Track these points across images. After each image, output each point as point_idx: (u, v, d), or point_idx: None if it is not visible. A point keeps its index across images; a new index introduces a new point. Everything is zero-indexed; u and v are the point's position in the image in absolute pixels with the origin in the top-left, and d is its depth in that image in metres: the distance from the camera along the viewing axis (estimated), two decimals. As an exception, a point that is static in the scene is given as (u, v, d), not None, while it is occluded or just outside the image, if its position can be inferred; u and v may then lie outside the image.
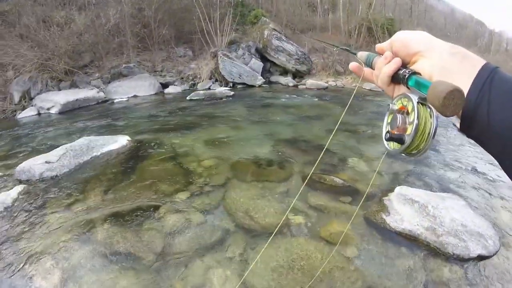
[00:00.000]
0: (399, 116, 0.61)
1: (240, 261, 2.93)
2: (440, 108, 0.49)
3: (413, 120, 0.57)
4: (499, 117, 0.49)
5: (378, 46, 0.74)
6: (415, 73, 0.61)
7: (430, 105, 0.57)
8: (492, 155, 0.53)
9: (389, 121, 0.67)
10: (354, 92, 0.96)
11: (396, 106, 0.64)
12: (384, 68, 0.67)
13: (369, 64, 0.76)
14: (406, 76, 0.61)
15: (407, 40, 0.66)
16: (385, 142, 0.66)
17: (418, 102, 0.58)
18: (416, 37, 0.65)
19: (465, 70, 0.55)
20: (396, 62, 0.65)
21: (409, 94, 0.60)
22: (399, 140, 0.59)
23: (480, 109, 0.50)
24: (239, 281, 2.69)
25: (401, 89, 0.67)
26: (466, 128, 0.54)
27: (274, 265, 2.84)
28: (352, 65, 0.81)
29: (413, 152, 0.60)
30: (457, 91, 0.47)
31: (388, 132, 0.63)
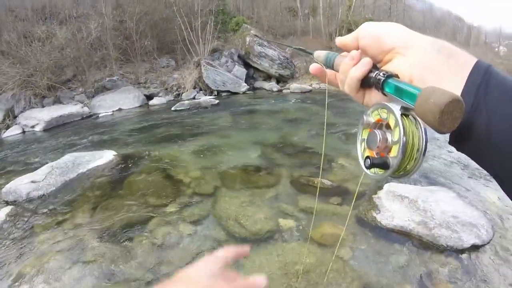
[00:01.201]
0: (378, 132, 0.51)
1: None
2: (435, 124, 0.39)
3: (399, 138, 0.46)
4: (502, 129, 0.40)
5: (340, 41, 0.62)
6: (391, 75, 0.51)
7: (414, 115, 0.48)
8: (490, 172, 0.45)
9: (364, 137, 0.56)
10: (326, 94, 0.90)
11: (372, 118, 0.54)
12: (352, 71, 0.55)
13: (330, 65, 0.64)
14: (382, 80, 0.51)
15: (378, 34, 0.54)
16: (364, 168, 0.53)
17: (402, 114, 0.48)
18: (389, 30, 0.54)
19: (453, 71, 0.46)
20: (366, 64, 0.54)
21: (388, 104, 0.50)
22: (383, 165, 0.49)
23: (477, 120, 0.41)
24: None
25: (373, 94, 0.57)
26: (458, 142, 0.45)
27: (267, 270, 2.84)
28: (313, 67, 0.67)
29: (400, 174, 0.50)
30: (456, 101, 0.38)
31: (368, 158, 0.51)
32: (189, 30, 13.76)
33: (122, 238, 3.41)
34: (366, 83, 0.55)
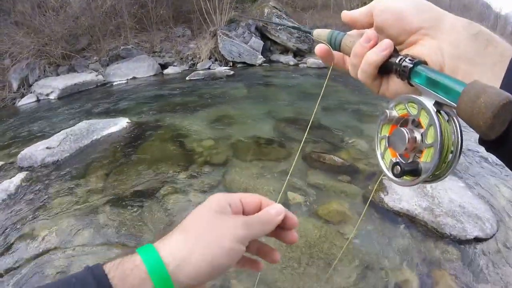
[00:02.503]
0: (405, 132, 0.43)
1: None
2: (483, 129, 0.33)
3: (434, 141, 0.40)
4: None
5: (348, 16, 0.54)
6: (420, 62, 0.43)
7: (448, 111, 0.41)
8: None
9: (384, 134, 0.49)
10: (327, 77, 0.68)
11: (396, 113, 0.46)
12: (368, 55, 0.47)
13: (336, 47, 0.55)
14: (409, 68, 0.43)
15: (400, 9, 0.46)
16: (388, 174, 0.47)
17: (438, 111, 0.40)
18: (415, 6, 0.45)
19: (491, 61, 0.40)
20: (386, 47, 0.45)
21: (419, 98, 0.42)
22: (414, 172, 0.42)
23: None
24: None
25: (392, 82, 0.49)
26: (493, 142, 0.38)
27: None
28: (319, 48, 0.57)
29: (427, 180, 0.43)
30: (510, 103, 0.32)
31: (398, 165, 0.43)
32: (206, -1, 13.51)
33: (133, 204, 3.48)
34: (385, 69, 0.47)
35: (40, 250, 2.89)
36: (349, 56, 0.53)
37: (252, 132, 5.36)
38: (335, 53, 0.57)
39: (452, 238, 3.00)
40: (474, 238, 3.00)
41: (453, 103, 0.38)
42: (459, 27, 0.42)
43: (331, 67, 0.59)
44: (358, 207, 3.44)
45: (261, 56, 13.12)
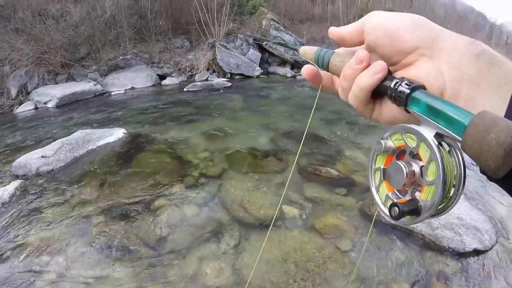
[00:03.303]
0: (402, 166, 0.39)
1: (234, 253, 2.94)
2: (492, 168, 0.30)
3: (436, 179, 0.36)
4: None
5: (336, 33, 0.49)
6: (418, 87, 0.39)
7: (450, 142, 0.37)
8: None
9: (378, 165, 0.45)
10: (316, 101, 0.60)
11: (392, 143, 0.42)
12: (361, 78, 0.43)
13: (324, 66, 0.51)
14: (406, 94, 0.39)
15: (395, 27, 0.41)
16: (385, 210, 0.43)
17: (439, 143, 0.36)
18: (410, 24, 0.41)
19: (495, 83, 0.37)
20: (380, 69, 0.41)
21: (419, 130, 0.38)
22: (413, 212, 0.38)
23: None
24: (232, 273, 2.71)
25: (385, 107, 0.45)
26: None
27: (268, 257, 2.85)
28: (306, 70, 0.53)
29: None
30: None
31: (395, 205, 0.38)
32: (205, 11, 13.61)
33: (127, 216, 3.44)
34: (378, 93, 0.43)
35: (32, 260, 2.85)
36: (339, 77, 0.49)
37: (248, 144, 5.35)
38: (323, 73, 0.53)
39: (451, 251, 2.99)
40: (473, 250, 2.98)
41: (457, 137, 0.34)
42: (460, 46, 0.39)
43: (319, 90, 0.55)
44: (354, 220, 3.42)
45: (259, 68, 13.19)
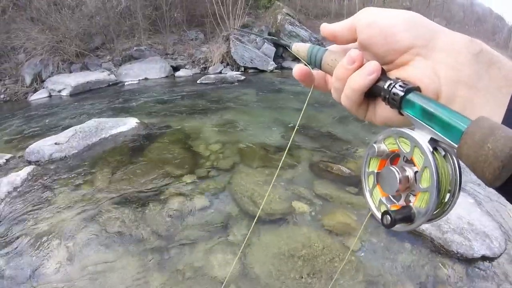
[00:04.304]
0: (395, 171, 0.38)
1: (241, 246, 2.94)
2: (488, 178, 0.29)
3: (430, 187, 0.34)
4: None
5: (327, 30, 0.46)
6: (413, 89, 0.37)
7: (446, 148, 0.35)
8: None
9: (372, 169, 0.43)
10: (306, 102, 0.61)
11: (386, 148, 0.40)
12: (353, 79, 0.41)
13: (317, 64, 0.49)
14: (400, 96, 0.37)
15: (388, 24, 0.39)
16: (378, 214, 0.42)
17: (433, 149, 0.35)
18: (404, 22, 0.39)
19: (494, 86, 0.35)
20: (373, 70, 0.39)
21: (412, 135, 0.36)
22: (406, 219, 0.37)
23: None
24: (239, 266, 2.70)
25: (379, 107, 0.43)
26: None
27: (275, 252, 2.84)
28: (297, 70, 0.51)
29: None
30: None
31: (388, 214, 0.36)
32: (220, 4, 13.56)
33: (137, 204, 3.47)
34: (371, 93, 0.41)
35: (41, 245, 2.89)
36: (332, 76, 0.47)
37: (260, 138, 5.34)
38: (316, 72, 0.51)
39: (459, 256, 2.93)
40: (481, 256, 2.92)
41: (453, 143, 0.32)
42: (458, 45, 0.36)
43: (311, 90, 0.53)
44: (364, 219, 3.39)
45: (273, 63, 13.12)
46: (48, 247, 2.88)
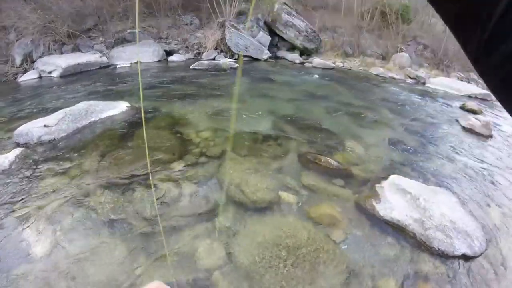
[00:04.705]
0: None
1: (227, 233, 2.98)
2: None
3: None
4: None
5: None
6: None
7: None
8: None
9: None
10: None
11: None
12: None
13: None
14: None
15: None
16: None
17: None
18: None
19: None
20: None
21: None
22: None
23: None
24: (224, 253, 2.75)
25: None
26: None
27: (260, 240, 2.89)
28: None
29: None
30: None
31: None
32: (217, -11, 13.41)
33: (126, 189, 3.48)
34: None
35: (28, 228, 2.89)
36: None
37: (250, 127, 5.36)
38: None
39: (440, 252, 3.01)
40: (461, 255, 3.00)
41: None
42: None
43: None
44: (349, 212, 3.45)
45: (267, 52, 13.08)
46: (35, 231, 2.88)
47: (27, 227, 2.91)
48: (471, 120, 6.91)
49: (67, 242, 2.77)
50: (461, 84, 12.48)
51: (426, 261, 2.93)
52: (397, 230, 3.23)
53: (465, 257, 3.00)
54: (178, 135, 4.83)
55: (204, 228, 3.02)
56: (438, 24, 22.31)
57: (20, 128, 4.47)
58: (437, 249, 3.03)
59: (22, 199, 3.27)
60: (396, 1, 18.21)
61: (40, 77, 8.71)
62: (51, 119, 4.72)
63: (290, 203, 3.45)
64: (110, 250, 2.71)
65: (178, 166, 3.99)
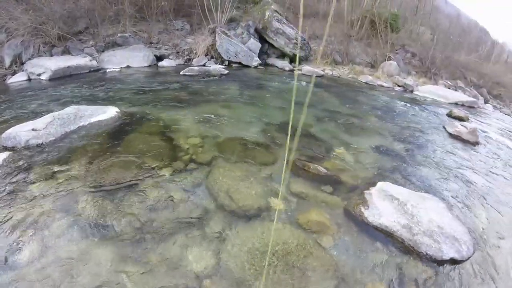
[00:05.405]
0: None
1: (217, 240, 2.98)
2: None
3: None
4: None
5: None
6: None
7: None
8: None
9: None
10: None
11: None
12: None
13: None
14: None
15: None
16: None
17: None
18: None
19: None
20: None
21: None
22: None
23: None
24: (214, 260, 2.74)
25: None
26: None
27: (250, 247, 2.90)
28: None
29: None
30: None
31: None
32: (209, -5, 13.46)
33: (114, 195, 3.45)
34: None
35: (15, 234, 2.85)
36: None
37: (240, 133, 5.38)
38: None
39: (428, 257, 3.06)
40: (449, 259, 3.06)
41: None
42: None
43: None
44: (338, 218, 3.48)
45: (257, 59, 13.15)
46: (22, 236, 2.84)
47: (14, 232, 2.86)
48: (458, 127, 7.04)
49: (55, 248, 2.74)
50: (448, 92, 12.73)
51: (414, 266, 2.98)
52: (385, 235, 3.28)
53: (453, 261, 3.06)
54: (168, 141, 4.82)
55: (194, 235, 3.02)
56: (426, 32, 22.72)
57: (7, 132, 4.41)
58: (425, 254, 3.08)
59: (9, 203, 3.22)
60: (385, 10, 18.51)
61: (29, 79, 8.61)
62: (39, 123, 4.66)
63: (279, 210, 3.47)
64: (98, 257, 2.69)
65: (167, 172, 3.97)
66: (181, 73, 10.19)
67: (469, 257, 3.14)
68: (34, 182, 3.58)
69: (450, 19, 35.40)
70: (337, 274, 2.76)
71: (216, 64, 12.46)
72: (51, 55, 9.91)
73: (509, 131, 9.06)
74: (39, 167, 3.88)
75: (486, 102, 15.40)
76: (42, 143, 4.37)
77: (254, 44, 13.62)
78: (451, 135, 6.93)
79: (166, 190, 3.62)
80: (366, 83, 12.61)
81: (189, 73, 10.21)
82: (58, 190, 3.46)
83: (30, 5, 10.05)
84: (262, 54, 14.21)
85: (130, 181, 3.73)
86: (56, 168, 3.87)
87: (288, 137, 1.57)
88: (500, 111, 14.17)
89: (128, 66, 10.74)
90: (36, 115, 5.35)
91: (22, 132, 4.38)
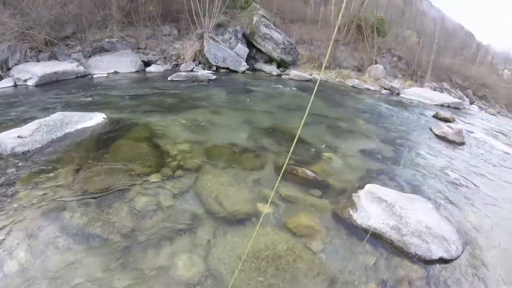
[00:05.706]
0: None
1: (206, 247, 2.97)
2: None
3: None
4: None
5: None
6: None
7: None
8: None
9: None
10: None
11: None
12: None
13: None
14: None
15: None
16: None
17: None
18: None
19: None
20: None
21: None
22: None
23: None
24: (204, 266, 2.74)
25: None
26: None
27: (239, 252, 2.90)
28: None
29: None
30: None
31: None
32: (197, 1, 13.47)
33: (102, 203, 3.42)
34: None
35: (1, 244, 2.81)
36: None
37: (228, 139, 5.38)
38: None
39: (417, 257, 3.10)
40: (438, 258, 3.11)
41: None
42: None
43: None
44: (327, 221, 3.50)
45: (245, 64, 13.19)
46: (8, 246, 2.79)
47: (0, 241, 2.83)
48: (444, 128, 7.16)
49: (42, 258, 2.70)
50: (434, 94, 12.92)
51: (404, 266, 3.01)
52: (374, 237, 3.31)
53: (443, 261, 3.11)
54: (156, 147, 4.80)
55: (183, 241, 3.01)
56: (412, 36, 23.03)
57: (-8, 139, 4.35)
58: (414, 254, 3.12)
59: (-7, 213, 3.17)
60: (372, 15, 18.73)
61: (15, 85, 8.51)
62: (25, 130, 4.61)
63: (268, 215, 3.48)
64: (86, 266, 2.66)
65: (155, 178, 3.95)
66: (168, 78, 10.17)
67: (458, 256, 3.19)
68: (20, 190, 3.53)
69: (436, 22, 36.00)
70: (328, 277, 2.78)
71: (204, 69, 12.47)
72: (38, 61, 9.82)
73: (494, 131, 9.25)
74: (25, 175, 3.83)
75: (471, 103, 15.69)
76: (28, 151, 4.31)
77: (242, 49, 13.66)
78: (437, 136, 7.04)
79: (154, 197, 3.60)
80: (353, 86, 12.74)
81: (176, 79, 10.20)
82: (45, 198, 3.41)
83: (18, 9, 9.95)
84: (249, 59, 14.26)
85: (118, 188, 3.70)
86: (43, 176, 3.82)
87: (295, 141, 1.59)
88: (486, 112, 14.45)
89: (115, 72, 10.68)
90: (22, 122, 5.28)
91: (8, 140, 4.32)
